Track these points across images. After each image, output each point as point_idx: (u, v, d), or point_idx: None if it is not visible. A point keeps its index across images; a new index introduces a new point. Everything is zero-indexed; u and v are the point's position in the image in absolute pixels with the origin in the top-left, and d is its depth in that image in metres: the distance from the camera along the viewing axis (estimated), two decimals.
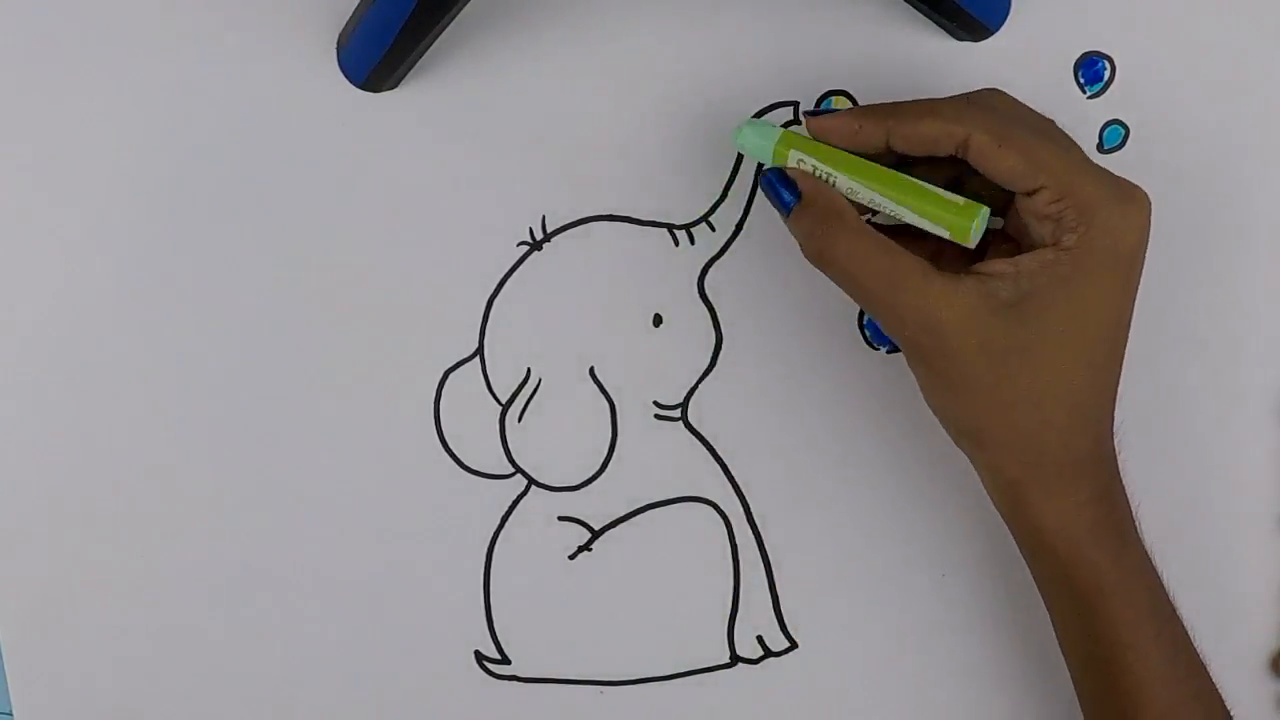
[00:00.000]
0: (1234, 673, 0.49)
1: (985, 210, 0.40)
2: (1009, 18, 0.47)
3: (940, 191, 0.40)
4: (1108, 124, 0.47)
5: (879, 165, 0.41)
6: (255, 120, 0.46)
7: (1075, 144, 0.41)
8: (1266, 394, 0.49)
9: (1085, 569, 0.42)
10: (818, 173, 0.41)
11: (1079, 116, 0.47)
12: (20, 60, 0.45)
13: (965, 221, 0.40)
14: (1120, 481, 0.42)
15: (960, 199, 0.40)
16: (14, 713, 0.49)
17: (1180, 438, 0.49)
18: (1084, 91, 0.47)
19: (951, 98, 0.41)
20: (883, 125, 0.40)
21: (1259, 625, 0.50)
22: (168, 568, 0.48)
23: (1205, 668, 0.44)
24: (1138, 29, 0.47)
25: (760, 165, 0.46)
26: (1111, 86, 0.47)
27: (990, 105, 0.41)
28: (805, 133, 0.42)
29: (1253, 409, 0.49)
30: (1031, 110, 0.41)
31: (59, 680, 0.49)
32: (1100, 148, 0.47)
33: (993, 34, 0.47)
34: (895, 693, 0.50)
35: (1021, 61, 0.47)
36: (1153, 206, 0.40)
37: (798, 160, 0.42)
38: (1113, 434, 0.42)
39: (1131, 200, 0.39)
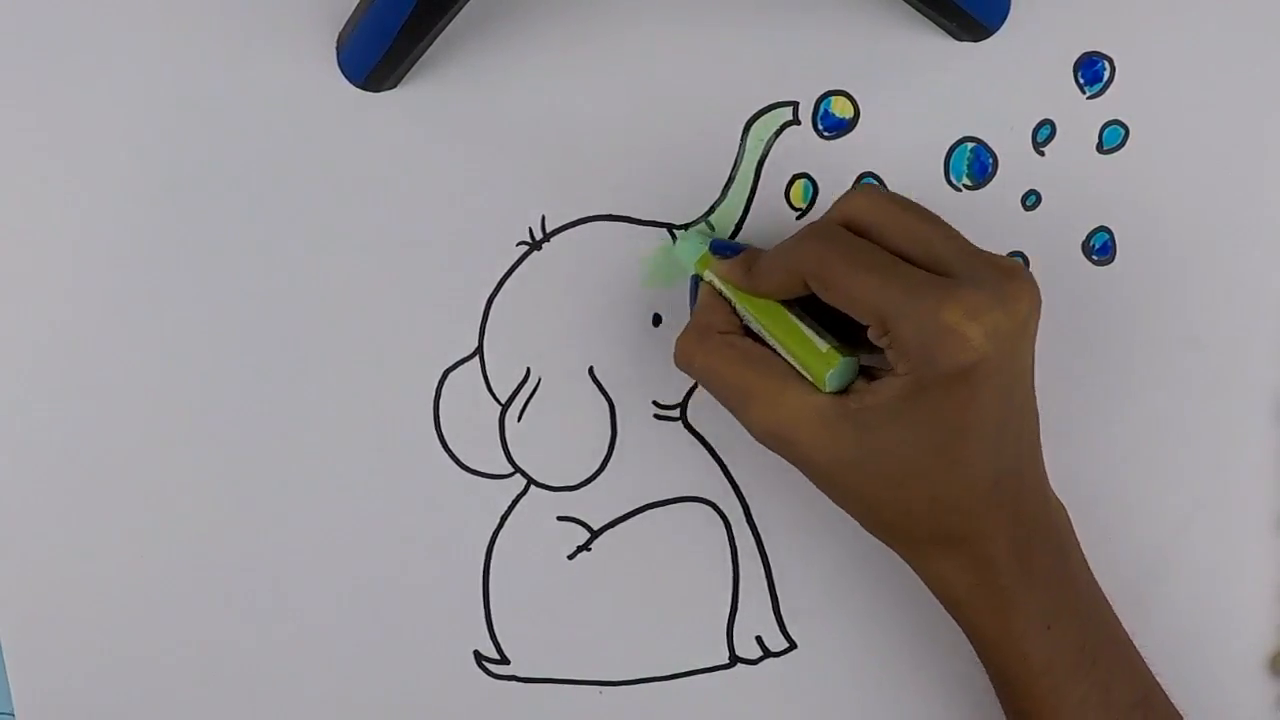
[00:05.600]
0: (1234, 673, 0.50)
1: (844, 362, 0.41)
2: (1009, 18, 0.47)
3: (810, 335, 0.42)
4: (1108, 124, 0.47)
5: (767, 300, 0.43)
6: (255, 120, 0.46)
7: (926, 257, 0.40)
8: (1266, 394, 0.49)
9: (966, 624, 0.43)
10: (725, 293, 0.44)
11: (1079, 116, 0.47)
12: (19, 60, 0.45)
13: (820, 369, 0.41)
14: (1026, 539, 0.42)
15: (825, 346, 0.41)
16: (16, 713, 0.49)
17: (1180, 438, 0.49)
18: (1084, 91, 0.47)
19: (799, 233, 0.42)
20: (750, 282, 0.43)
21: (1259, 625, 0.50)
22: (168, 568, 0.48)
23: (1144, 714, 0.44)
24: (1138, 29, 0.47)
25: (759, 168, 0.47)
26: (1111, 86, 0.47)
27: (830, 234, 0.41)
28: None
29: (1253, 409, 0.49)
30: (893, 212, 0.41)
31: (60, 681, 0.49)
32: (1100, 148, 0.47)
33: (993, 34, 0.47)
34: (894, 693, 0.50)
35: (1021, 61, 0.47)
36: (1035, 299, 0.40)
37: (710, 278, 0.44)
38: (1011, 501, 0.42)
39: (954, 332, 0.38)
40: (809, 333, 0.42)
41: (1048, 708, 0.43)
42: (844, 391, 0.41)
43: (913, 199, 0.42)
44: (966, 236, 0.47)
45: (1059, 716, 0.43)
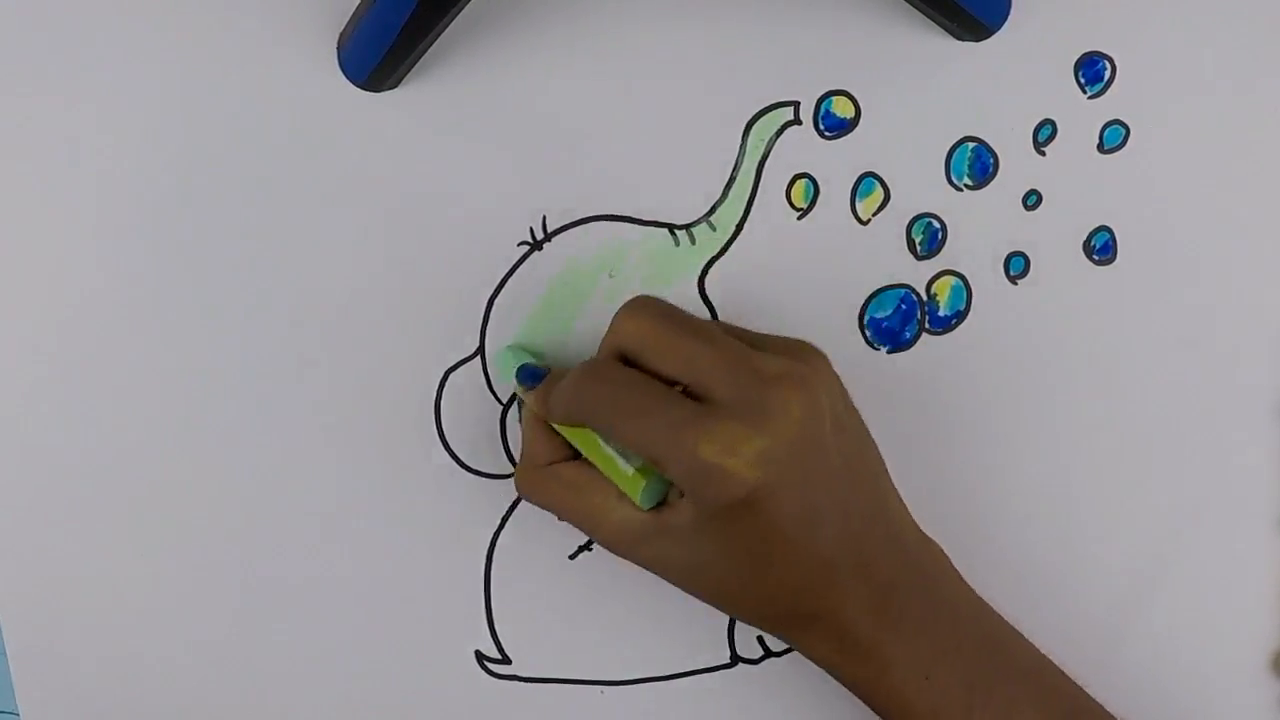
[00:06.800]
0: (1234, 673, 0.50)
1: (648, 483, 0.41)
2: (1009, 18, 0.47)
3: (616, 458, 0.42)
4: (1108, 124, 0.47)
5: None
6: (255, 120, 0.46)
7: (692, 380, 0.40)
8: (1266, 394, 0.49)
9: (846, 684, 0.43)
10: None
11: (1079, 116, 0.47)
12: (19, 60, 0.45)
13: (632, 491, 0.42)
14: (884, 597, 0.42)
15: (630, 469, 0.42)
16: (20, 713, 0.49)
17: (1180, 438, 0.49)
18: (1084, 91, 0.47)
19: (577, 370, 0.42)
20: (548, 414, 0.43)
21: (1259, 625, 0.50)
22: (170, 568, 0.48)
23: None
24: (1138, 29, 0.47)
25: (760, 168, 0.47)
26: (1111, 86, 0.47)
27: (601, 375, 0.41)
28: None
29: (1253, 409, 0.49)
30: (658, 336, 0.41)
31: (64, 680, 0.49)
32: (1100, 148, 0.48)
33: (993, 34, 0.47)
34: None
35: (1021, 61, 0.47)
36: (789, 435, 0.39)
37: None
38: (856, 569, 0.41)
39: (716, 469, 0.39)
40: (615, 456, 0.42)
41: None
42: (662, 503, 0.42)
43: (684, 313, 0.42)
44: (965, 236, 0.47)
45: None
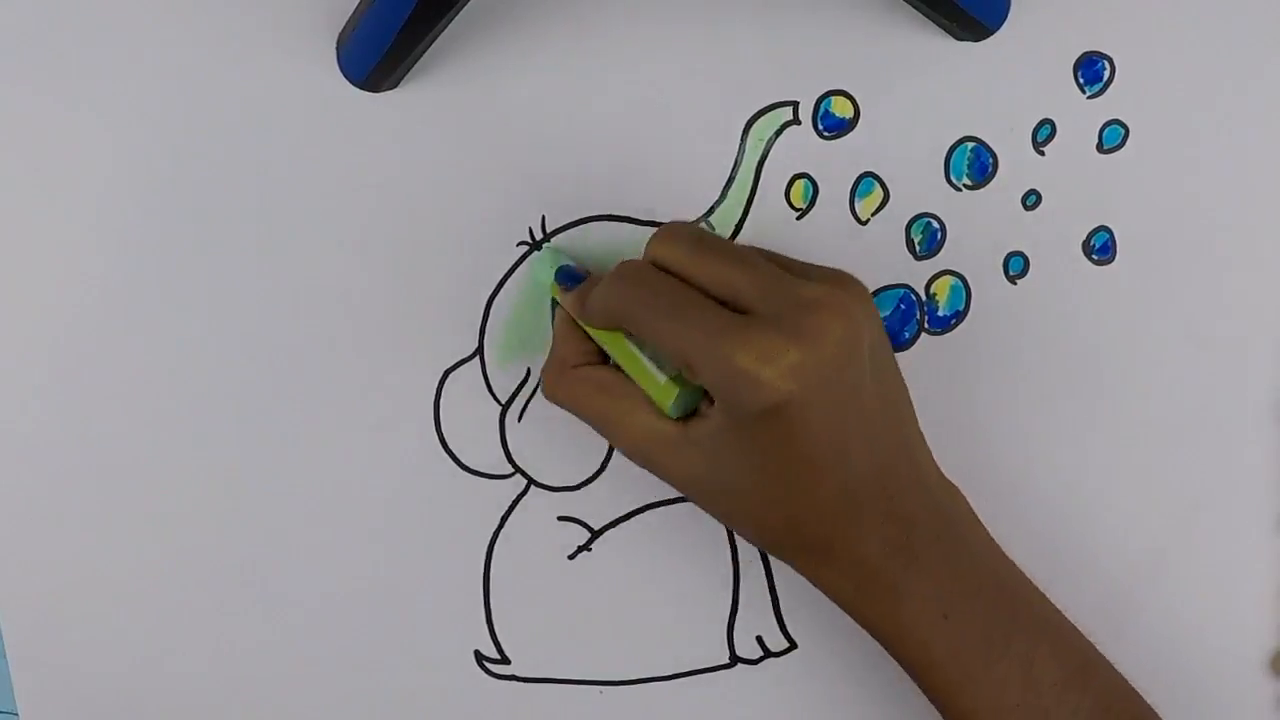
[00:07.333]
0: (1234, 673, 0.50)
1: (681, 393, 0.41)
2: (1009, 18, 0.47)
3: (649, 366, 0.42)
4: (1108, 124, 0.47)
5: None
6: (255, 119, 0.46)
7: (729, 294, 0.40)
8: (1266, 394, 0.49)
9: (862, 623, 0.43)
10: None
11: (1079, 116, 0.47)
12: (19, 59, 0.45)
13: (662, 400, 0.42)
14: (904, 535, 0.42)
15: (663, 378, 0.42)
16: (20, 713, 0.49)
17: (1180, 437, 0.49)
18: (1084, 91, 0.47)
19: (613, 271, 0.42)
20: (584, 316, 0.43)
21: (1259, 625, 0.50)
22: (170, 568, 0.48)
23: (1082, 686, 0.43)
24: (1138, 29, 0.47)
25: (760, 168, 0.47)
26: (1111, 86, 0.47)
27: (637, 276, 0.41)
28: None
29: (1253, 409, 0.49)
30: (693, 253, 0.41)
31: (64, 680, 0.49)
32: (1100, 148, 0.47)
33: (993, 34, 0.47)
34: (894, 693, 0.50)
35: (1021, 61, 0.47)
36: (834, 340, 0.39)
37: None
38: (878, 503, 0.41)
39: (749, 376, 0.38)
40: (648, 363, 0.42)
41: (965, 693, 0.42)
42: (691, 414, 0.42)
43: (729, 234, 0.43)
44: (964, 236, 0.47)
45: (978, 699, 0.42)
